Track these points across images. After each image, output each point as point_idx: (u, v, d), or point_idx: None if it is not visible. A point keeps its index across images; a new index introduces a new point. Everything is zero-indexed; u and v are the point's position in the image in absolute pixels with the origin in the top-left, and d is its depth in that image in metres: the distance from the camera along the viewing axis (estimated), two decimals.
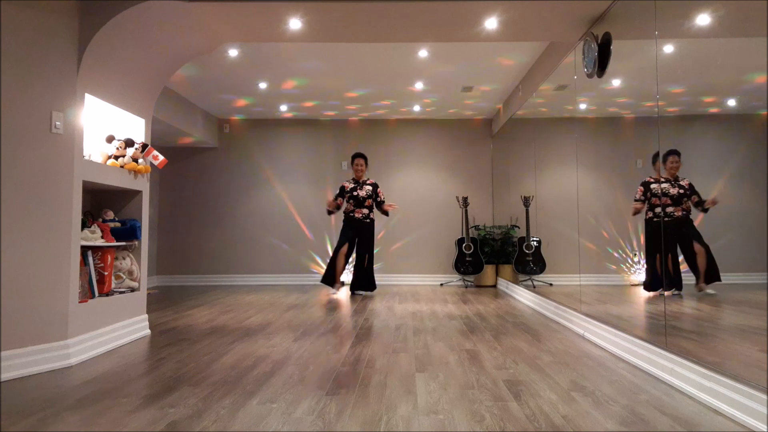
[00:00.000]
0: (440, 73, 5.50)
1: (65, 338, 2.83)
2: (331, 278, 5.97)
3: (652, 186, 2.82)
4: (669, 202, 2.66)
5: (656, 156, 2.73)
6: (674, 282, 2.72)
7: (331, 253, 7.48)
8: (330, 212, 6.08)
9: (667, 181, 2.67)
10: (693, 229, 2.52)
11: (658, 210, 2.76)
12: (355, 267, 6.09)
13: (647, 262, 3.01)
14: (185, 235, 7.56)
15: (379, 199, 6.11)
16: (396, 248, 7.53)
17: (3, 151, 2.64)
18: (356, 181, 6.09)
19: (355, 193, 6.02)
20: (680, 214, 2.63)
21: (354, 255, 6.12)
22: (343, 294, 6.14)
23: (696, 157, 2.55)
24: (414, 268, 7.51)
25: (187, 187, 7.61)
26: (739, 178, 2.31)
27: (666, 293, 2.77)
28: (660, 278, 2.77)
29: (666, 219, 2.70)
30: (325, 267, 7.53)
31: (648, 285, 3.07)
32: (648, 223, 2.92)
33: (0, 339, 2.59)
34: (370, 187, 6.09)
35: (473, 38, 3.77)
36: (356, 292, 6.12)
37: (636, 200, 2.98)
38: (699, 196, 2.48)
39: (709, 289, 2.53)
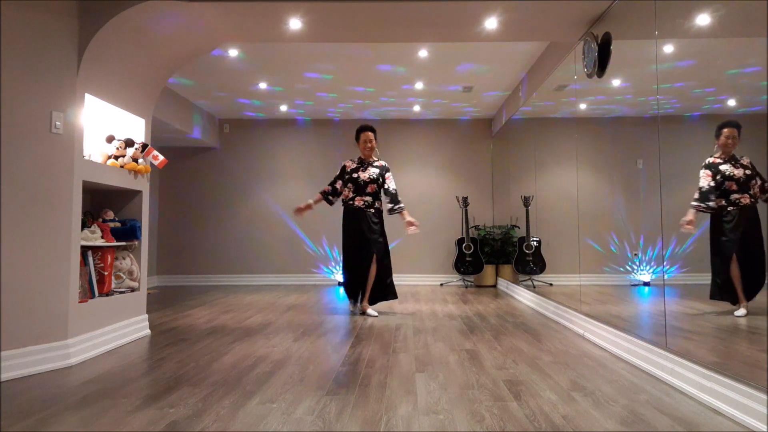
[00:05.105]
0: (440, 73, 5.50)
1: (65, 338, 2.83)
2: (349, 292, 4.71)
3: (722, 167, 2.28)
4: (734, 187, 2.22)
5: (720, 129, 2.29)
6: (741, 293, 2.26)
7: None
8: (329, 201, 4.73)
9: (725, 161, 2.26)
10: (758, 224, 2.07)
11: (734, 197, 2.23)
12: (357, 272, 4.58)
13: (717, 263, 2.40)
14: (185, 235, 7.56)
15: (386, 186, 4.68)
16: (396, 248, 7.53)
17: (3, 151, 2.64)
18: (362, 160, 4.73)
19: (355, 175, 4.63)
20: (748, 201, 2.20)
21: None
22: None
23: (695, 157, 2.55)
24: (414, 268, 7.51)
25: (187, 187, 7.61)
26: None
27: (740, 312, 2.30)
28: (734, 286, 2.27)
29: (730, 208, 2.26)
30: (325, 267, 7.55)
31: (718, 293, 2.40)
32: (718, 212, 2.40)
33: (0, 339, 2.59)
34: (376, 170, 4.65)
35: (473, 38, 3.77)
36: (358, 308, 4.64)
37: (703, 191, 2.33)
38: (762, 178, 1.99)
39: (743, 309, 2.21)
